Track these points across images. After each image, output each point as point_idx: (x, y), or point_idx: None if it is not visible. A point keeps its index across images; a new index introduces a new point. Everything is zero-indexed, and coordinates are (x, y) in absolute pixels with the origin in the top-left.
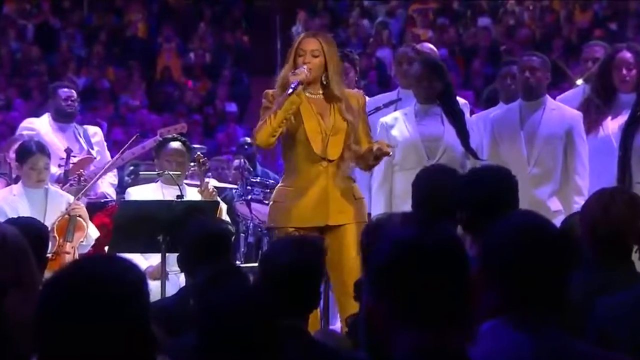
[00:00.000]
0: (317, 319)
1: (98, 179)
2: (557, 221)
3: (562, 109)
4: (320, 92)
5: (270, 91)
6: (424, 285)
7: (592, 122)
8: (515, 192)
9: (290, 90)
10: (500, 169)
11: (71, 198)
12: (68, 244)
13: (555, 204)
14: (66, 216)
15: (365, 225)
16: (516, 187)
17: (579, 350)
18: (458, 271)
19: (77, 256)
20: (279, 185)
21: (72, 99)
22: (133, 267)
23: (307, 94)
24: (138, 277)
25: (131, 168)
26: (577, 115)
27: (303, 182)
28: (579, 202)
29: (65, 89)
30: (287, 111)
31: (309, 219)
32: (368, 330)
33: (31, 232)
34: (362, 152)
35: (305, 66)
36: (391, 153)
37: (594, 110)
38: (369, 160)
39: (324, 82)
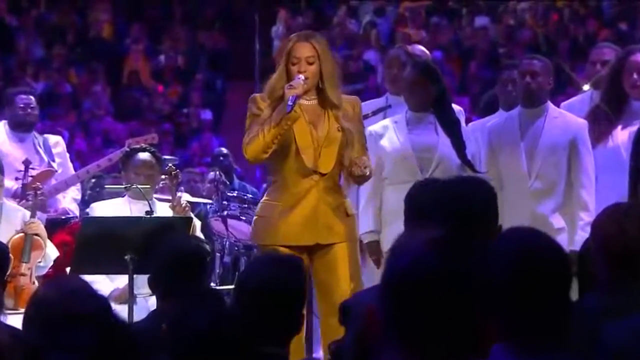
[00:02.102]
0: (301, 346)
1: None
2: (561, 239)
3: (565, 117)
4: (315, 97)
5: (257, 95)
6: (429, 310)
7: (601, 131)
8: (494, 205)
9: (289, 108)
10: (475, 178)
11: (28, 214)
12: (24, 264)
13: (558, 221)
14: (21, 234)
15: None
16: (496, 201)
17: None
18: (467, 303)
19: (33, 278)
20: (264, 198)
21: (31, 106)
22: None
23: (300, 100)
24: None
25: (93, 181)
26: (582, 123)
27: (291, 197)
28: (584, 219)
29: (23, 96)
30: (282, 128)
31: (297, 237)
32: (358, 354)
33: None
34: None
35: (301, 76)
36: (368, 174)
37: (603, 119)
38: (353, 176)
39: (320, 87)
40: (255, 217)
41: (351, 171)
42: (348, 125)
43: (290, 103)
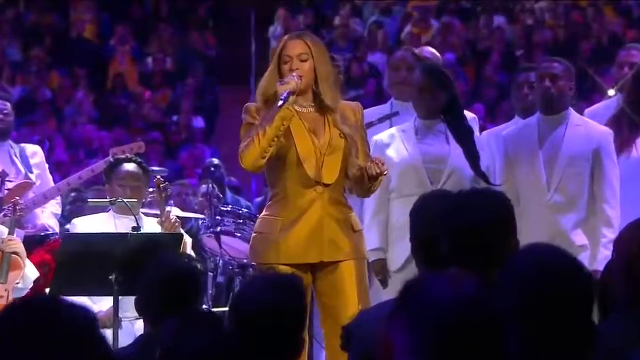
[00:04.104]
0: None
1: None
2: (583, 257)
3: (588, 125)
4: (312, 104)
5: (252, 105)
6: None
7: (625, 140)
8: (508, 218)
9: (281, 103)
10: (491, 191)
11: (5, 231)
12: (0, 286)
13: (580, 238)
14: None
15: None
16: (510, 213)
17: None
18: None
19: (11, 300)
20: (263, 214)
21: (5, 112)
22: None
23: (297, 108)
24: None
25: (73, 195)
26: (607, 132)
27: (294, 211)
28: (608, 236)
29: None
30: (277, 128)
31: (301, 255)
32: None
33: None
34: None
35: (295, 73)
36: (386, 172)
37: (627, 126)
38: (365, 182)
39: (315, 90)
40: (254, 235)
41: (361, 175)
42: (348, 130)
43: (282, 98)
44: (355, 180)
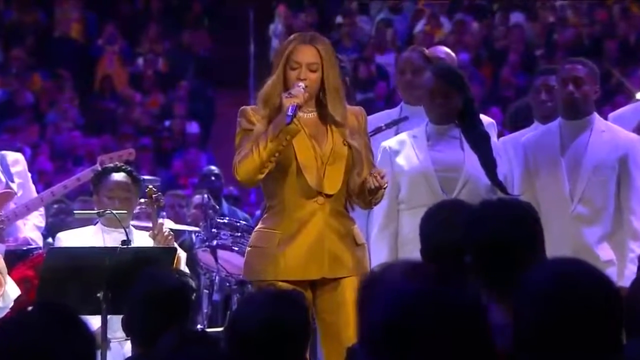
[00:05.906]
0: None
1: None
2: (609, 273)
3: (614, 131)
4: (315, 110)
5: (248, 108)
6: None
7: None
8: (535, 231)
9: (289, 119)
10: (518, 202)
11: None
12: None
13: (605, 252)
14: None
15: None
16: (537, 226)
17: None
18: (477, 341)
19: None
20: (259, 226)
21: None
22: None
23: (299, 113)
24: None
25: (56, 207)
26: (634, 138)
27: (293, 224)
28: (635, 250)
29: None
30: (281, 143)
31: (301, 271)
32: None
33: None
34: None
35: (301, 83)
36: (385, 185)
37: None
38: (365, 195)
39: (322, 100)
40: (249, 249)
41: (361, 187)
42: (355, 143)
43: (289, 114)
44: (356, 194)
